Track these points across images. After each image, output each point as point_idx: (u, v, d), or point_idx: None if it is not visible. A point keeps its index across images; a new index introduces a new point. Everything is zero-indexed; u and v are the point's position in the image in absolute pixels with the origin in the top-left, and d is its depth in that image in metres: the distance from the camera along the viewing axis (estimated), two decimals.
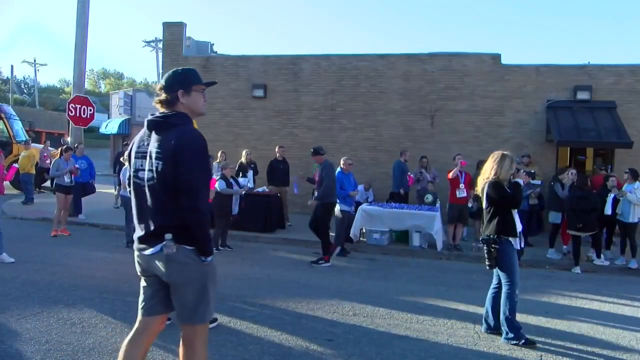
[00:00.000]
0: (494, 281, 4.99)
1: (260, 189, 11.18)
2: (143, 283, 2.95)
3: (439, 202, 10.54)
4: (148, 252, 2.76)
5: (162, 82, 2.93)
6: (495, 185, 4.77)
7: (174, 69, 3.05)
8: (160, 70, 16.81)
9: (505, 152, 4.96)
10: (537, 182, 10.15)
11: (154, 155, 2.71)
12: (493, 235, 4.73)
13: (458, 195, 9.39)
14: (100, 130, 33.05)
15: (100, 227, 10.67)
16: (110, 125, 31.27)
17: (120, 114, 31.16)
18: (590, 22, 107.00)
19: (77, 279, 6.27)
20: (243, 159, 11.47)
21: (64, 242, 8.95)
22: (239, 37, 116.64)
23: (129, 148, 3.02)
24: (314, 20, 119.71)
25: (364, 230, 9.99)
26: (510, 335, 4.68)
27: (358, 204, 10.39)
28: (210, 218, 2.95)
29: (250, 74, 14.26)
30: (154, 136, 2.79)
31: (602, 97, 12.20)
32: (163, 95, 2.86)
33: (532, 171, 9.79)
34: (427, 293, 6.51)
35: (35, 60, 47.21)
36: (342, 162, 9.10)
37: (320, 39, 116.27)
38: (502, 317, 4.76)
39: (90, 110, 12.23)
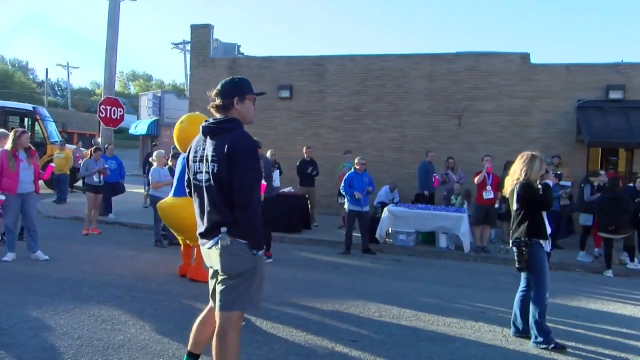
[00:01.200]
0: (522, 284, 4.90)
1: (286, 189, 11.23)
2: (210, 275, 3.20)
3: (466, 203, 10.41)
4: (207, 245, 3.02)
5: (218, 88, 3.12)
6: (526, 186, 4.68)
7: (231, 77, 3.27)
8: (188, 72, 17.05)
9: (534, 153, 4.85)
10: (567, 183, 9.93)
11: (209, 159, 2.95)
12: (524, 237, 4.64)
13: (485, 197, 9.26)
14: (130, 131, 33.66)
15: (129, 226, 10.87)
16: (139, 126, 31.82)
17: (149, 115, 31.70)
18: (623, 19, 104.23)
19: (107, 277, 6.39)
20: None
21: (95, 241, 9.14)
22: (264, 39, 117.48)
23: (187, 153, 3.22)
24: (339, 20, 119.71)
25: (390, 231, 9.93)
26: (540, 339, 4.58)
27: (384, 204, 10.35)
28: (262, 216, 3.10)
29: (275, 75, 14.34)
30: (209, 141, 3.01)
31: (635, 96, 11.87)
32: (218, 101, 3.06)
33: (559, 172, 9.58)
34: (454, 295, 6.43)
35: (68, 64, 48.36)
36: (355, 161, 9.13)
37: (345, 40, 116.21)
38: (531, 320, 4.66)
39: (120, 111, 12.48)
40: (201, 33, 15.10)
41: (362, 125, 13.67)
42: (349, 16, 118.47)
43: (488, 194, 9.25)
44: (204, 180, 2.99)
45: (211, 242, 2.99)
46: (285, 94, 14.08)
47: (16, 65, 67.69)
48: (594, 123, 11.58)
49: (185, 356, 3.33)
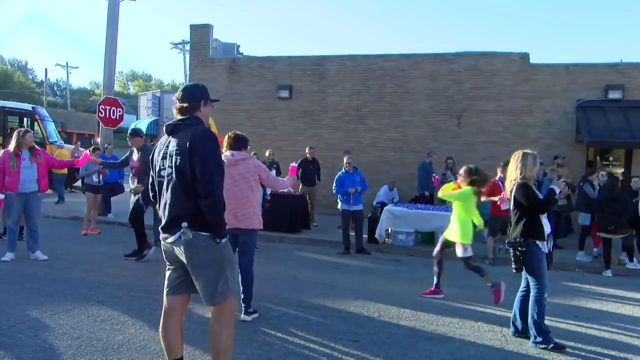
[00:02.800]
0: (523, 284, 4.91)
1: (285, 189, 11.23)
2: (168, 269, 3.34)
3: None
4: (170, 240, 3.16)
5: (183, 92, 3.33)
6: (523, 187, 4.67)
7: (195, 84, 3.54)
8: (188, 72, 17.06)
9: (526, 150, 4.85)
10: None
11: (173, 153, 3.14)
12: (519, 238, 4.64)
13: (503, 208, 8.94)
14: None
15: (128, 226, 10.81)
16: (138, 126, 31.81)
17: (148, 115, 31.67)
18: (622, 19, 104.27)
19: (106, 276, 6.40)
20: (265, 159, 11.54)
21: (94, 241, 9.16)
22: (264, 39, 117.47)
23: (152, 152, 3.40)
24: (340, 20, 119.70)
25: (389, 231, 9.93)
26: (539, 339, 4.59)
27: (383, 204, 10.37)
28: (223, 204, 3.20)
29: (275, 75, 14.35)
30: (172, 139, 3.22)
31: (635, 96, 11.89)
32: (185, 103, 3.27)
33: (575, 185, 9.56)
34: (454, 295, 6.43)
35: (67, 63, 48.37)
36: (344, 161, 9.21)
37: (346, 40, 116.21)
38: (530, 320, 4.67)
39: (120, 111, 12.48)
40: (201, 33, 15.12)
41: (363, 125, 13.69)
42: (349, 16, 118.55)
43: (506, 205, 8.95)
44: (166, 175, 3.17)
45: (173, 237, 3.13)
46: (285, 94, 14.10)
47: (15, 65, 67.72)
48: (594, 123, 11.60)
49: None
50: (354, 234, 9.22)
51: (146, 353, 3.98)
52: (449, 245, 6.22)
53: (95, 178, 9.81)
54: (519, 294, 4.92)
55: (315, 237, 10.30)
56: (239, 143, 5.14)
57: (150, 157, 3.40)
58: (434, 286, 6.33)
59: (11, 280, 5.98)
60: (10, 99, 27.83)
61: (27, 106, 18.74)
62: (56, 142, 17.65)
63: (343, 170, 9.15)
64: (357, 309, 5.58)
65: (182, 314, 3.36)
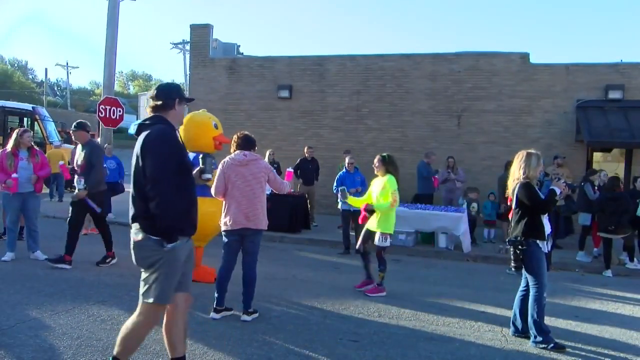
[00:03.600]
0: (523, 284, 4.91)
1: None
2: None
3: (465, 204, 10.41)
4: (131, 235, 3.20)
5: (157, 91, 3.34)
6: (526, 187, 4.67)
7: (168, 82, 3.58)
8: (188, 72, 17.06)
9: (530, 151, 4.86)
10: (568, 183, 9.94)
11: (136, 154, 3.13)
12: (520, 237, 4.65)
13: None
14: (129, 131, 33.49)
15: (128, 226, 10.85)
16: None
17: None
18: (622, 19, 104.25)
19: (106, 276, 6.40)
20: (266, 159, 11.53)
21: (94, 241, 9.12)
22: (264, 39, 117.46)
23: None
24: (339, 20, 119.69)
25: None
26: (539, 338, 4.59)
27: None
28: (188, 208, 3.20)
29: (275, 75, 14.35)
30: (139, 139, 3.20)
31: (635, 96, 11.89)
32: (159, 101, 3.26)
33: (575, 185, 9.57)
34: (454, 295, 6.44)
35: (67, 63, 48.37)
36: (346, 160, 9.17)
37: (346, 40, 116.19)
38: (530, 320, 4.67)
39: (120, 111, 12.46)
40: (201, 33, 15.11)
41: (363, 125, 13.69)
42: (349, 16, 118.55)
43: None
44: (131, 175, 3.19)
45: (132, 234, 3.18)
46: (285, 94, 14.09)
47: (15, 65, 67.72)
48: (594, 123, 11.60)
49: None
50: (354, 234, 9.21)
51: (146, 353, 3.98)
52: (371, 236, 6.30)
53: None
54: (518, 294, 4.92)
55: (315, 237, 10.30)
56: (249, 143, 5.21)
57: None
58: (365, 277, 6.48)
59: (11, 280, 5.98)
60: (10, 98, 27.83)
61: (27, 106, 18.75)
62: (53, 142, 17.66)
63: (344, 170, 9.14)
64: (357, 308, 5.58)
65: (185, 312, 3.40)
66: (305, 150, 11.67)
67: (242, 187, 4.95)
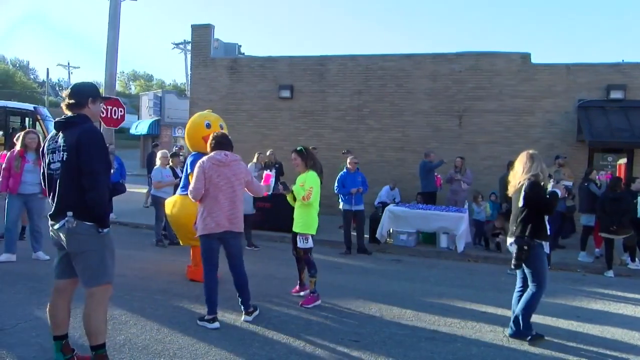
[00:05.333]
0: (519, 284, 4.93)
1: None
2: (57, 252, 3.59)
3: (467, 204, 10.40)
4: (56, 226, 3.41)
5: (72, 88, 3.54)
6: (534, 185, 4.66)
7: (85, 81, 3.72)
8: (189, 72, 17.05)
9: (532, 151, 4.88)
10: (569, 183, 9.91)
11: (60, 148, 3.36)
12: (526, 237, 4.64)
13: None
14: (131, 131, 33.71)
15: (130, 226, 10.88)
16: (140, 126, 31.86)
17: (150, 115, 31.72)
18: (624, 19, 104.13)
19: None
20: (266, 159, 11.51)
21: None
22: (265, 39, 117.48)
23: (42, 147, 3.61)
24: (340, 21, 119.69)
25: (390, 231, 9.93)
26: (524, 332, 4.70)
27: (384, 204, 10.36)
28: (110, 197, 3.50)
29: (276, 75, 14.36)
30: (60, 134, 3.41)
31: (636, 96, 11.88)
32: (72, 100, 3.45)
33: (570, 187, 9.57)
34: (455, 295, 6.43)
35: (69, 63, 48.58)
36: (347, 161, 9.11)
37: (347, 40, 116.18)
38: (520, 313, 4.72)
39: (121, 111, 12.47)
40: (202, 33, 15.12)
41: (364, 125, 13.69)
42: (350, 16, 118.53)
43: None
44: (55, 169, 3.38)
45: (58, 225, 3.37)
46: (286, 94, 14.10)
47: (17, 65, 67.79)
48: (595, 123, 11.58)
49: (54, 342, 3.61)
50: (355, 234, 9.22)
51: (148, 353, 3.99)
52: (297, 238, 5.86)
53: None
54: (515, 294, 4.93)
55: (316, 237, 10.19)
56: (227, 143, 5.00)
57: (41, 150, 3.62)
58: (298, 285, 6.10)
59: (13, 280, 5.99)
60: (12, 98, 27.90)
61: (29, 106, 18.77)
62: None
63: (344, 170, 9.13)
64: (359, 308, 5.58)
65: (70, 295, 3.65)
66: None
67: (224, 189, 4.73)
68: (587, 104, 12.03)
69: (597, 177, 9.18)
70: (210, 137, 5.05)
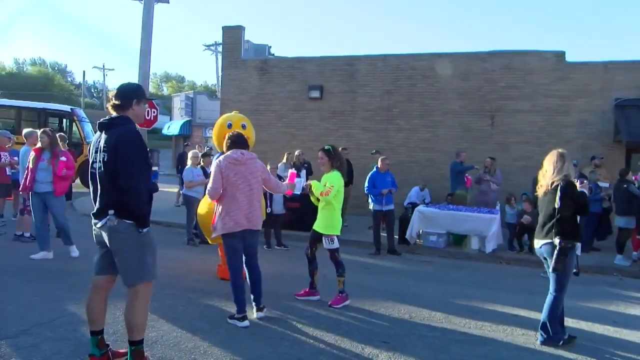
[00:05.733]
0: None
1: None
2: (98, 250, 3.66)
3: (498, 205, 10.23)
4: (98, 224, 3.49)
5: (118, 90, 3.61)
6: (571, 185, 4.58)
7: (128, 83, 3.76)
8: (220, 73, 17.29)
9: (560, 150, 4.80)
10: (606, 184, 9.64)
11: (101, 149, 3.44)
12: (568, 240, 4.53)
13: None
14: (163, 131, 34.32)
15: (162, 225, 11.08)
16: (172, 127, 32.42)
17: (181, 116, 32.27)
18: None
19: None
20: (295, 159, 11.54)
21: None
22: (295, 39, 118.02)
23: (90, 146, 3.69)
24: (370, 20, 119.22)
25: (420, 232, 9.85)
26: (556, 337, 4.61)
27: (414, 205, 10.28)
28: (149, 200, 3.55)
29: (306, 76, 14.40)
30: (102, 135, 3.49)
31: None
32: (117, 101, 3.54)
33: (608, 187, 9.36)
34: (486, 297, 6.34)
35: (104, 66, 49.67)
36: (378, 161, 9.07)
37: (377, 39, 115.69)
38: (546, 318, 4.65)
39: (154, 112, 12.70)
40: (233, 34, 15.30)
41: (394, 125, 13.61)
42: (380, 16, 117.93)
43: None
44: (97, 168, 3.46)
45: (101, 223, 3.46)
46: (315, 94, 14.13)
47: (56, 67, 69.85)
48: (633, 122, 11.22)
49: (90, 337, 3.70)
50: (384, 234, 9.18)
51: (179, 350, 4.06)
52: (318, 238, 5.81)
53: None
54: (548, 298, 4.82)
55: (345, 237, 10.20)
56: (243, 142, 5.03)
57: (89, 148, 3.70)
58: (309, 286, 5.92)
59: (52, 276, 6.19)
60: (50, 100, 28.75)
61: (66, 108, 19.33)
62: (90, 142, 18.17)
63: (374, 169, 9.09)
64: (388, 310, 5.56)
65: (107, 292, 3.73)
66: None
67: (242, 188, 4.75)
68: (625, 102, 11.66)
69: (633, 177, 8.87)
70: (226, 137, 5.08)
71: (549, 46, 51.24)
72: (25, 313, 4.69)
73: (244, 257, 4.98)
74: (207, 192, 4.88)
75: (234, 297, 4.81)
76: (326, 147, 5.80)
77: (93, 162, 3.51)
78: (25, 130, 8.66)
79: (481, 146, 12.49)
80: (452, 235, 9.89)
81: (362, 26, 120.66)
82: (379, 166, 9.00)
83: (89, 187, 3.60)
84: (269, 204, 8.73)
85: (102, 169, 3.41)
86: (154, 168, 3.82)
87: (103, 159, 3.41)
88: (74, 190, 9.93)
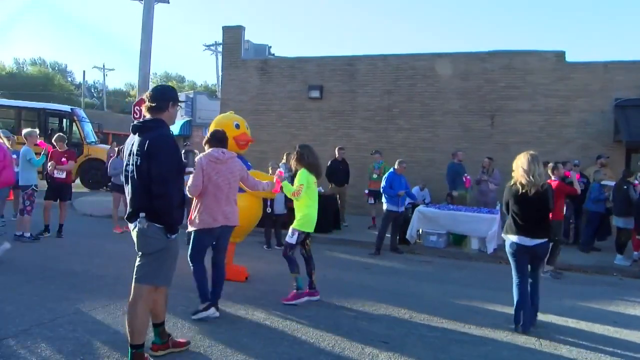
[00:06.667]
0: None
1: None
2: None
3: (498, 205, 10.21)
4: (130, 226, 3.54)
5: (153, 92, 3.61)
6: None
7: (163, 85, 3.88)
8: (220, 73, 17.27)
9: (532, 152, 5.09)
10: (611, 182, 9.63)
11: (134, 152, 3.43)
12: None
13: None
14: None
15: None
16: (172, 127, 32.39)
17: (181, 116, 32.20)
18: None
19: None
20: (292, 160, 11.52)
21: (131, 239, 9.35)
22: (295, 40, 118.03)
23: (124, 148, 3.74)
24: (370, 20, 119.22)
25: (420, 232, 9.84)
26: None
27: (414, 205, 10.27)
28: (181, 203, 3.58)
29: (306, 76, 14.41)
30: (136, 138, 3.50)
31: None
32: (154, 103, 3.55)
33: (613, 186, 9.33)
34: (486, 298, 6.34)
35: (104, 66, 49.72)
36: (396, 164, 9.05)
37: (377, 39, 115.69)
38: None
39: None
40: (233, 34, 15.30)
41: (394, 125, 13.62)
42: (380, 16, 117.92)
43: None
44: (130, 171, 3.47)
45: (132, 225, 3.49)
46: (315, 94, 14.14)
47: (56, 67, 69.81)
48: (634, 122, 11.22)
49: (153, 328, 3.84)
50: (389, 235, 9.16)
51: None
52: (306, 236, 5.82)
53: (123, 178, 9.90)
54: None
55: (345, 237, 10.29)
56: (223, 140, 5.13)
57: (122, 151, 3.71)
58: (308, 286, 5.80)
59: (53, 276, 6.19)
60: (50, 100, 28.71)
61: (66, 108, 19.33)
62: (94, 142, 18.21)
63: (392, 170, 9.06)
64: (388, 310, 5.55)
65: (164, 290, 3.80)
66: (336, 152, 11.66)
67: (222, 186, 4.87)
68: (625, 102, 11.66)
69: (635, 182, 8.82)
70: (208, 134, 5.21)
71: (549, 46, 51.31)
72: (25, 313, 4.69)
73: (213, 254, 5.07)
74: (187, 188, 4.88)
75: (199, 290, 4.87)
76: (297, 146, 5.90)
77: (127, 165, 3.52)
78: (24, 131, 8.69)
79: (481, 146, 12.50)
80: (452, 235, 9.88)
81: (362, 26, 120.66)
82: (397, 168, 9.00)
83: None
84: (269, 203, 8.73)
85: (135, 172, 3.42)
86: (189, 169, 3.81)
87: (136, 162, 3.41)
88: (73, 190, 9.90)
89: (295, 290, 5.66)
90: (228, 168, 4.95)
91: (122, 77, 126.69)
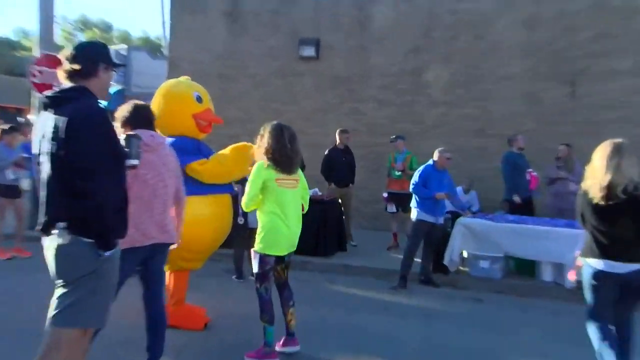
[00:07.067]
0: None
1: (310, 192, 11.16)
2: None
3: None
4: (45, 242, 3.43)
5: (76, 50, 3.60)
6: None
7: (90, 41, 4.00)
8: (166, 20, 17.19)
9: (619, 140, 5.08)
10: None
11: (48, 137, 3.36)
12: None
13: None
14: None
15: None
16: (103, 101, 32.32)
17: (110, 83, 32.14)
18: None
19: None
20: None
21: (22, 266, 9.24)
22: None
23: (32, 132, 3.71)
24: None
25: (465, 255, 9.77)
26: None
27: (455, 215, 10.15)
28: (119, 206, 3.52)
29: (294, 26, 14.50)
30: (50, 115, 3.41)
31: None
32: (77, 65, 3.51)
33: None
34: (568, 356, 6.28)
35: None
36: (436, 154, 9.05)
37: None
38: None
39: None
40: None
41: (424, 97, 13.64)
42: None
43: None
44: (42, 163, 3.39)
45: (48, 241, 3.39)
46: (309, 52, 14.20)
47: None
48: None
49: None
50: (417, 259, 9.08)
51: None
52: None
53: (11, 174, 9.55)
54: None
55: (354, 262, 10.23)
56: (149, 118, 5.01)
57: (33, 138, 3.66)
58: (284, 336, 5.82)
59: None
60: None
61: None
62: None
63: (430, 163, 9.06)
64: None
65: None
66: (337, 135, 11.57)
67: (153, 183, 4.76)
68: None
69: None
70: (128, 108, 4.97)
71: None
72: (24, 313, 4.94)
73: (145, 285, 4.97)
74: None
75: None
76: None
77: (38, 155, 3.44)
78: None
79: (556, 127, 12.43)
80: (513, 260, 9.80)
81: None
82: (436, 160, 9.00)
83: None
84: (241, 212, 8.56)
85: (50, 164, 3.33)
86: (133, 162, 3.88)
87: (50, 150, 3.32)
88: None
89: (262, 345, 5.54)
90: (160, 158, 4.85)
91: (9, 20, 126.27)
